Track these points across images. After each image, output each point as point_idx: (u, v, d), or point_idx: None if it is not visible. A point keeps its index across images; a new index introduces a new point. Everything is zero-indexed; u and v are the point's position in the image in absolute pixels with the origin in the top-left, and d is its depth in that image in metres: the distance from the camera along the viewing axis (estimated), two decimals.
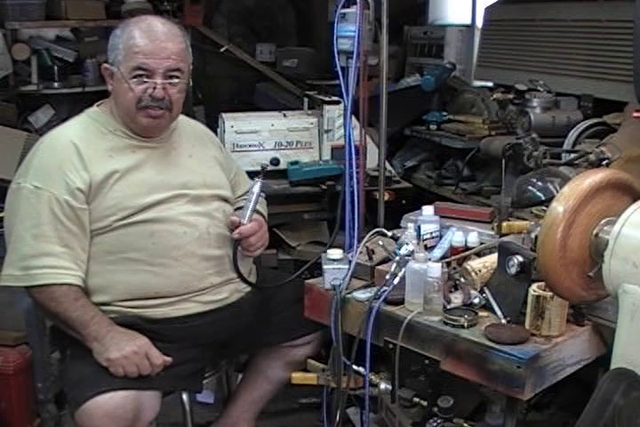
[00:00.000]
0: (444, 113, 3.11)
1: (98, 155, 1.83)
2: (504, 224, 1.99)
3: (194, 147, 2.03)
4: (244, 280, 1.96)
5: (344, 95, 2.02)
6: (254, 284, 2.01)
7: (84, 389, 1.68)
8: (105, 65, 1.87)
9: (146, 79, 1.81)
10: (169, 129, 1.95)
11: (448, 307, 1.67)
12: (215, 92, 4.41)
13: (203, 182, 1.96)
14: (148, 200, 1.84)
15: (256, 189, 1.95)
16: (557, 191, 1.66)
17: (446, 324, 1.62)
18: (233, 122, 2.75)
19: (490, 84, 3.44)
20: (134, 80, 1.81)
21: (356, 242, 1.95)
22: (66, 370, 1.82)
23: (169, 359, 1.77)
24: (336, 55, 2.02)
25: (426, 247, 1.91)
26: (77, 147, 1.82)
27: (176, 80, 1.84)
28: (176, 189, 1.89)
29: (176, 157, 1.96)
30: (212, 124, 2.80)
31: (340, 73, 2.02)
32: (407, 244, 1.81)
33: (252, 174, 2.75)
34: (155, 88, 1.81)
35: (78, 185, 1.79)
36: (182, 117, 2.02)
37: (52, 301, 1.76)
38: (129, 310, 1.83)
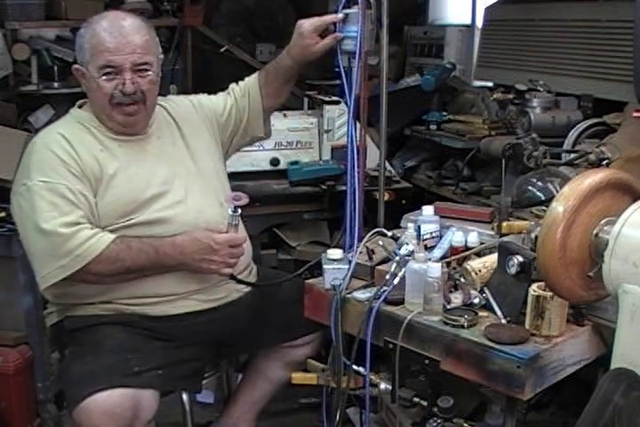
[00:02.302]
0: (444, 113, 3.10)
1: (89, 149, 1.84)
2: (504, 224, 1.99)
3: (175, 134, 2.01)
4: (237, 280, 1.96)
5: (346, 95, 2.02)
6: (248, 282, 2.01)
7: (82, 387, 1.68)
8: (75, 66, 1.88)
9: (114, 76, 1.82)
10: (148, 122, 1.96)
11: (448, 307, 1.67)
12: (215, 93, 4.40)
13: (192, 170, 1.96)
14: (145, 195, 1.85)
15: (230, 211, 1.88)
16: (557, 191, 1.66)
17: (446, 324, 1.62)
18: None
19: (490, 84, 3.44)
20: (104, 78, 1.82)
21: (356, 242, 1.95)
22: (65, 369, 1.82)
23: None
24: (338, 56, 2.02)
25: (426, 247, 1.91)
26: (69, 140, 1.83)
27: (145, 73, 1.85)
28: (169, 182, 1.90)
29: (162, 147, 1.96)
30: None
31: (342, 73, 2.02)
32: (407, 244, 1.81)
33: (251, 175, 2.76)
34: (124, 84, 1.82)
35: (85, 174, 1.80)
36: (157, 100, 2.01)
37: (117, 261, 1.76)
38: (127, 307, 1.84)
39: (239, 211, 1.87)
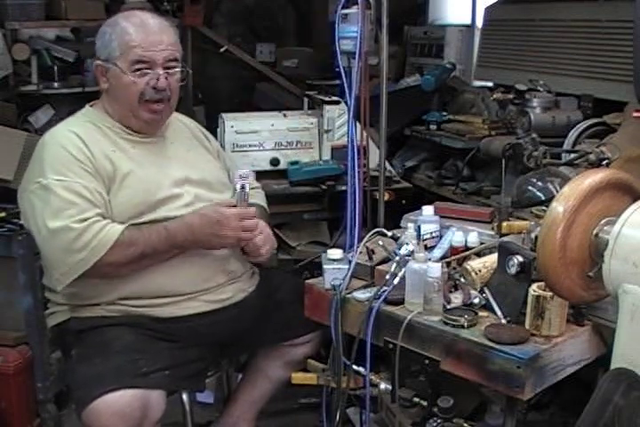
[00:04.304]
0: (444, 113, 3.11)
1: (102, 148, 1.84)
2: (504, 224, 1.99)
3: (190, 141, 2.05)
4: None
5: (347, 96, 2.02)
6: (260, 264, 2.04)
7: (92, 388, 1.68)
8: (98, 62, 1.89)
9: (146, 71, 1.84)
10: (165, 124, 1.98)
11: (448, 307, 1.67)
12: (215, 92, 4.41)
13: (203, 178, 1.97)
14: (156, 197, 1.85)
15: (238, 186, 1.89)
16: (557, 191, 1.66)
17: (446, 324, 1.62)
18: (233, 122, 2.74)
19: (490, 84, 3.44)
20: (136, 73, 1.83)
21: (356, 242, 1.95)
22: (72, 370, 1.82)
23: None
24: (338, 56, 2.02)
25: (426, 247, 1.91)
26: (82, 139, 1.83)
27: (174, 70, 1.88)
28: (180, 186, 1.91)
29: (175, 152, 1.98)
30: (212, 124, 2.81)
31: (342, 73, 2.02)
32: (407, 244, 1.81)
33: None
34: (158, 79, 1.85)
35: (99, 172, 1.80)
36: (174, 113, 2.03)
37: (131, 246, 1.76)
38: (134, 309, 1.84)
39: (247, 187, 1.87)
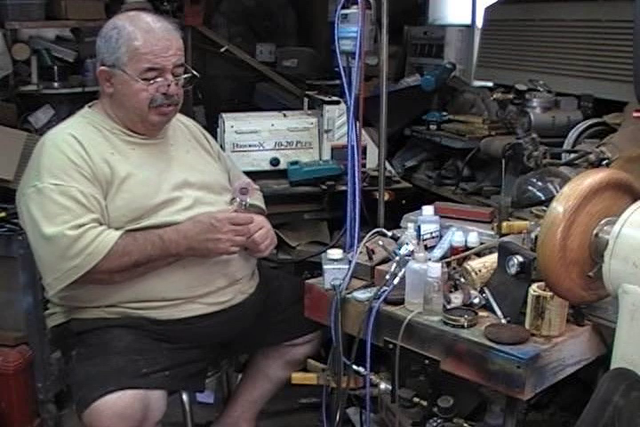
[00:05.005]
0: (444, 113, 3.11)
1: (100, 151, 1.83)
2: (504, 224, 1.99)
3: (190, 143, 2.04)
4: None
5: (346, 96, 2.02)
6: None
7: (92, 389, 1.68)
8: (103, 68, 1.86)
9: (155, 78, 1.83)
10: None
11: (448, 307, 1.67)
12: (215, 92, 4.41)
13: (203, 180, 1.96)
14: (155, 201, 1.84)
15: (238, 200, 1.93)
16: (557, 191, 1.66)
17: (446, 324, 1.62)
18: (233, 122, 2.75)
19: (490, 84, 3.44)
20: (146, 80, 1.82)
21: (356, 242, 1.95)
22: (72, 371, 1.82)
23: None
24: (338, 56, 2.01)
25: (426, 247, 1.91)
26: (80, 142, 1.82)
27: (184, 75, 1.88)
28: (179, 189, 1.90)
29: (175, 154, 1.97)
30: (212, 124, 2.81)
31: (342, 73, 2.02)
32: (407, 244, 1.81)
33: (251, 175, 2.76)
34: (169, 85, 1.84)
35: (97, 177, 1.79)
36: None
37: (125, 255, 1.75)
38: (134, 311, 1.84)
39: (247, 200, 1.91)
